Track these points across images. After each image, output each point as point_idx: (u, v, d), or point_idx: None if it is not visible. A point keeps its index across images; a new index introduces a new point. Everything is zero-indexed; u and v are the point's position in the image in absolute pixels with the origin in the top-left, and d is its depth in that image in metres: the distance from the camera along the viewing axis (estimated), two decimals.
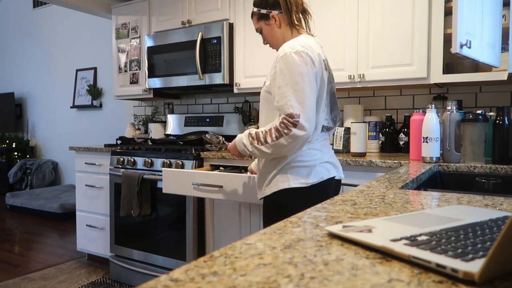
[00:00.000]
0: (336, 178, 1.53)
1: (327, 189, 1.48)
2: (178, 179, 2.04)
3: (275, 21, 1.52)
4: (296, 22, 1.53)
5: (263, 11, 1.53)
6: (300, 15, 1.56)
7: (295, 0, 1.52)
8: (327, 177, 1.47)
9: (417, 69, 2.12)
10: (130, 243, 2.77)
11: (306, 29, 1.59)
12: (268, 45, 1.61)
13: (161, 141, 3.00)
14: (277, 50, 1.56)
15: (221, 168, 2.31)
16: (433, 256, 0.45)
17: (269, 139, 1.37)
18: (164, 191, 2.11)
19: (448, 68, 2.14)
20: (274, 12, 1.51)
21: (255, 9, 1.56)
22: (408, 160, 1.93)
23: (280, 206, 1.45)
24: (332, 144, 2.33)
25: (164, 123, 3.43)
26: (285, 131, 1.33)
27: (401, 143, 2.39)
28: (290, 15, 1.51)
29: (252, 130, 1.46)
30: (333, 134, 2.33)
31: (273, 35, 1.55)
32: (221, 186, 1.89)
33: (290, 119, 1.32)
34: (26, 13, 6.09)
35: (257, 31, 1.60)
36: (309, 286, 0.40)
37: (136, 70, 3.28)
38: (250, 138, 1.43)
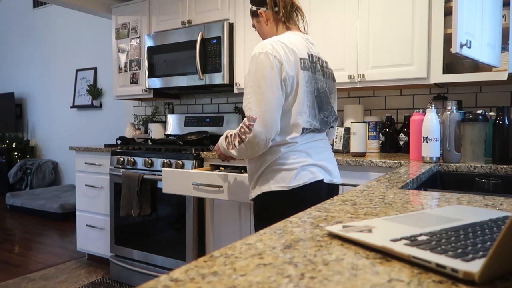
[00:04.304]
0: (325, 181, 1.46)
1: (313, 192, 1.42)
2: (178, 179, 2.04)
3: (263, 17, 1.53)
4: (283, 18, 1.51)
5: (253, 8, 1.55)
6: (293, 11, 1.54)
7: None
8: (311, 180, 1.41)
9: (417, 69, 2.12)
10: (130, 243, 2.77)
11: (299, 25, 1.57)
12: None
13: (161, 141, 3.00)
14: None
15: (221, 168, 2.31)
16: (433, 256, 0.45)
17: (236, 143, 1.40)
18: (164, 191, 2.11)
19: (448, 68, 2.14)
20: (262, 9, 1.52)
21: (250, 6, 1.59)
22: (408, 160, 1.93)
23: (264, 209, 1.45)
24: (332, 145, 2.32)
25: (164, 123, 3.43)
26: (243, 137, 1.36)
27: (401, 143, 2.39)
28: (277, 11, 1.51)
29: (229, 132, 1.47)
30: None
31: (262, 32, 1.57)
32: (221, 186, 1.90)
33: (247, 122, 1.35)
34: (26, 13, 6.09)
35: (253, 28, 1.63)
36: (309, 286, 0.40)
37: (136, 70, 3.28)
38: (226, 142, 1.46)
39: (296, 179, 1.40)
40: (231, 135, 1.44)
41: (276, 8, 1.50)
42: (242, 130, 1.36)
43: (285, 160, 1.41)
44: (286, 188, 1.39)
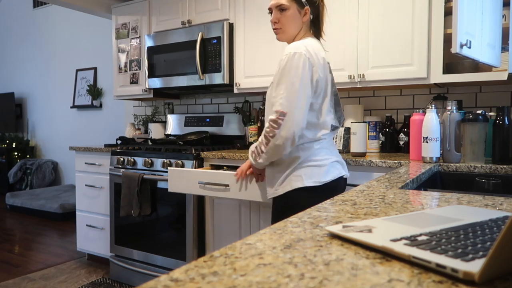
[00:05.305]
0: (344, 177, 1.58)
1: (338, 187, 1.53)
2: (184, 178, 2.04)
3: (305, 15, 1.54)
4: (314, 24, 1.58)
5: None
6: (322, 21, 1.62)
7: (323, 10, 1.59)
8: (338, 176, 1.53)
9: (417, 69, 2.12)
10: (130, 243, 2.77)
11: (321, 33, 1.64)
12: (275, 25, 1.55)
13: (161, 141, 3.00)
14: (279, 37, 1.58)
15: (224, 167, 2.31)
16: (433, 256, 0.45)
17: (263, 148, 1.45)
18: (169, 190, 2.09)
19: (448, 68, 2.14)
20: (307, 7, 1.54)
21: None
22: (408, 160, 1.93)
23: (293, 205, 1.47)
24: None
25: (164, 123, 3.43)
26: (271, 134, 1.40)
27: (401, 143, 2.39)
28: (312, 19, 1.56)
29: (252, 147, 1.53)
30: None
31: (292, 23, 1.53)
32: (227, 185, 1.90)
33: (274, 117, 1.39)
34: (26, 13, 6.09)
35: (277, 8, 1.53)
36: (309, 286, 0.40)
37: (136, 70, 3.28)
38: (254, 155, 1.52)
39: (327, 174, 1.49)
40: (256, 147, 1.50)
41: (312, 16, 1.56)
42: (269, 129, 1.41)
43: (317, 157, 1.49)
44: (319, 183, 1.46)
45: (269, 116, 1.46)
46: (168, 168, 2.11)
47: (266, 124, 1.43)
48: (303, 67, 1.40)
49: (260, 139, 1.47)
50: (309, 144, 1.49)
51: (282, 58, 1.45)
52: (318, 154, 1.49)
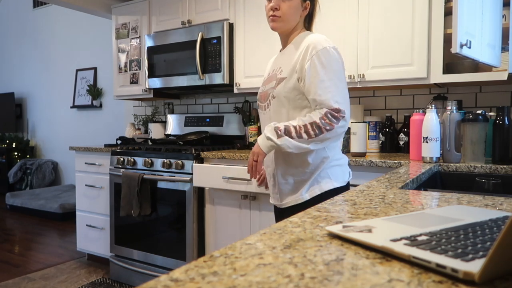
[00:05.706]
0: None
1: (349, 186, 1.53)
2: (209, 174, 2.23)
3: (304, 9, 1.50)
4: (309, 20, 1.57)
5: None
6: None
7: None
8: (351, 173, 1.55)
9: (417, 69, 2.12)
10: (130, 243, 2.77)
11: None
12: (275, 11, 1.45)
13: (161, 141, 3.00)
14: (275, 25, 1.48)
15: None
16: (433, 256, 0.45)
17: (304, 135, 1.31)
18: (194, 184, 2.37)
19: (448, 68, 2.14)
20: (308, 2, 1.50)
21: None
22: (408, 160, 1.93)
23: None
24: None
25: (164, 123, 3.43)
26: (327, 127, 1.31)
27: (401, 143, 2.39)
28: (312, 18, 1.57)
29: (279, 124, 1.35)
30: None
31: (294, 14, 1.47)
32: (250, 180, 2.04)
33: (335, 113, 1.31)
34: (26, 13, 6.09)
35: None
36: (309, 286, 0.40)
37: (136, 70, 3.28)
38: (279, 131, 1.33)
39: (347, 173, 1.49)
40: (294, 126, 1.33)
41: (307, 11, 1.52)
42: (324, 121, 1.30)
43: (339, 156, 1.49)
44: (344, 183, 1.45)
45: (287, 115, 1.41)
46: (193, 164, 2.30)
47: (319, 115, 1.31)
48: (341, 62, 1.40)
49: (301, 123, 1.32)
50: (335, 143, 1.44)
51: (312, 53, 1.36)
52: (339, 153, 1.48)
